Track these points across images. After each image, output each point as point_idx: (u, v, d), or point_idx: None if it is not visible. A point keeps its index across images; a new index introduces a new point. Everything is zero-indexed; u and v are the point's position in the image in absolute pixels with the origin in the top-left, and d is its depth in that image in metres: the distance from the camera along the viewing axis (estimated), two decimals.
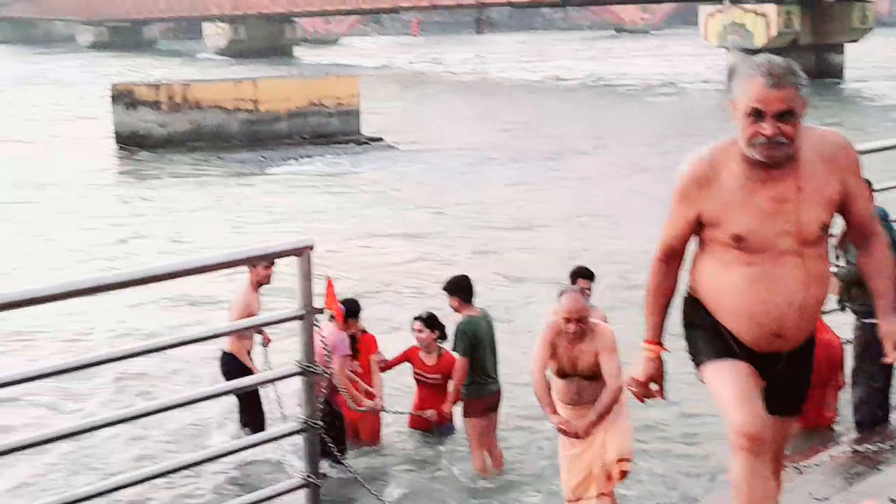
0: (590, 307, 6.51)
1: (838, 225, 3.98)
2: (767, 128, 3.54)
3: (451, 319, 8.26)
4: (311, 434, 4.56)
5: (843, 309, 6.95)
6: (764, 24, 42.65)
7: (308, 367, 4.53)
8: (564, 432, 6.40)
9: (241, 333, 8.35)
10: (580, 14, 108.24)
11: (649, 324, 3.99)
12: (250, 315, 8.17)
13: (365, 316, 8.78)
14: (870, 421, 6.88)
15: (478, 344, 7.93)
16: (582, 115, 35.29)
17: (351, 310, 8.29)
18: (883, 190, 7.06)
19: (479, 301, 8.28)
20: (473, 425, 8.05)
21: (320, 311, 4.60)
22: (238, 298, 8.55)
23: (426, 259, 15.45)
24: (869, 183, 5.82)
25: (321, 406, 4.77)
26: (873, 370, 6.76)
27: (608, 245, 15.73)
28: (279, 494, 4.51)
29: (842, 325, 7.28)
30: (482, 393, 8.00)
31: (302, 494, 4.54)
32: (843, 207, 3.73)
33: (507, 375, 8.30)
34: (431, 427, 8.63)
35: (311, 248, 4.45)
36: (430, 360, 8.54)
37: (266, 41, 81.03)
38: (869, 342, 6.45)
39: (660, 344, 4.00)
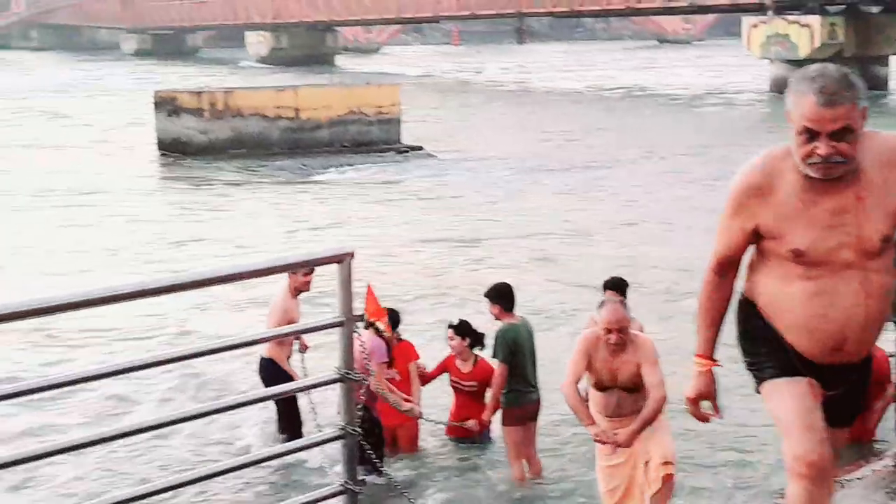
0: (630, 318, 6.45)
1: None
2: (822, 147, 3.40)
3: (491, 327, 8.23)
4: (350, 441, 4.54)
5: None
6: (808, 36, 42.32)
7: (347, 373, 4.51)
8: (603, 442, 6.35)
9: (280, 339, 8.36)
10: (622, 24, 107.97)
11: (701, 337, 3.85)
12: (289, 321, 8.19)
13: (404, 323, 8.78)
14: None
15: (517, 351, 7.88)
16: (626, 124, 35.17)
17: (390, 318, 8.29)
18: None
19: (524, 308, 8.25)
20: (512, 434, 8.00)
21: (360, 318, 4.58)
22: (277, 304, 8.58)
23: (467, 266, 15.43)
24: None
25: (360, 413, 4.76)
26: None
27: (656, 253, 15.68)
28: (317, 501, 4.49)
29: (888, 340, 7.17)
30: (521, 401, 7.95)
31: (340, 501, 4.52)
32: None
33: (549, 384, 8.23)
34: (469, 435, 8.59)
35: (351, 255, 4.43)
36: (465, 367, 8.51)
37: (307, 49, 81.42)
38: None
39: (711, 359, 3.86)
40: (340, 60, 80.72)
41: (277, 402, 8.58)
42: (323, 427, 7.98)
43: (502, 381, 7.93)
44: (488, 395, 8.27)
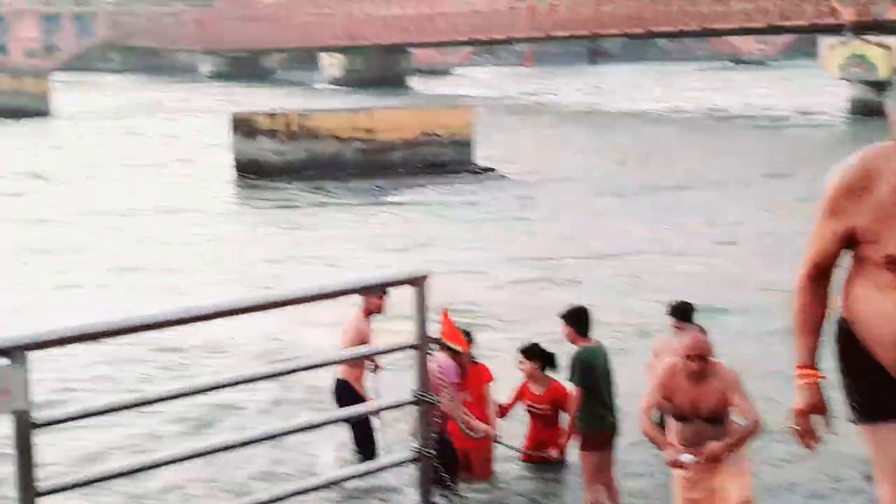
0: (711, 345, 6.31)
1: None
2: None
3: (565, 348, 8.15)
4: (425, 463, 4.53)
5: None
6: (887, 56, 41.66)
7: (422, 396, 4.51)
8: (681, 466, 6.22)
9: (354, 361, 8.37)
10: (696, 45, 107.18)
11: (800, 346, 3.55)
12: (362, 342, 8.21)
13: (478, 346, 8.74)
14: None
15: (593, 375, 7.79)
16: (704, 145, 34.89)
17: (469, 345, 8.25)
18: None
19: (610, 329, 8.15)
20: (589, 459, 7.89)
21: (435, 340, 4.57)
22: (350, 326, 8.60)
23: (542, 287, 15.33)
24: None
25: (434, 436, 4.75)
26: None
27: (747, 273, 15.54)
28: None
29: None
30: (599, 426, 7.84)
31: None
32: None
33: (628, 407, 8.11)
34: (544, 460, 8.52)
35: (426, 277, 4.44)
36: (538, 390, 8.45)
37: (380, 71, 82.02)
38: None
39: (814, 368, 3.55)
40: (413, 82, 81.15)
41: (352, 424, 8.59)
42: (395, 448, 7.96)
43: (578, 404, 7.84)
44: (564, 418, 8.19)
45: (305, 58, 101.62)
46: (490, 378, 8.61)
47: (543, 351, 8.43)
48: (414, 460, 4.51)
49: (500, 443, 8.45)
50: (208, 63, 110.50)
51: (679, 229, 19.93)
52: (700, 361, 5.99)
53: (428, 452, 4.51)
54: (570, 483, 8.34)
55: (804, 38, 76.07)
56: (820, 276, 3.51)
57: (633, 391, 8.25)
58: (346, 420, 7.95)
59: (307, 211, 23.31)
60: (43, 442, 3.55)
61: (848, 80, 43.32)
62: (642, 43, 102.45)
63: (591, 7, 59.89)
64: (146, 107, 57.51)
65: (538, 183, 26.70)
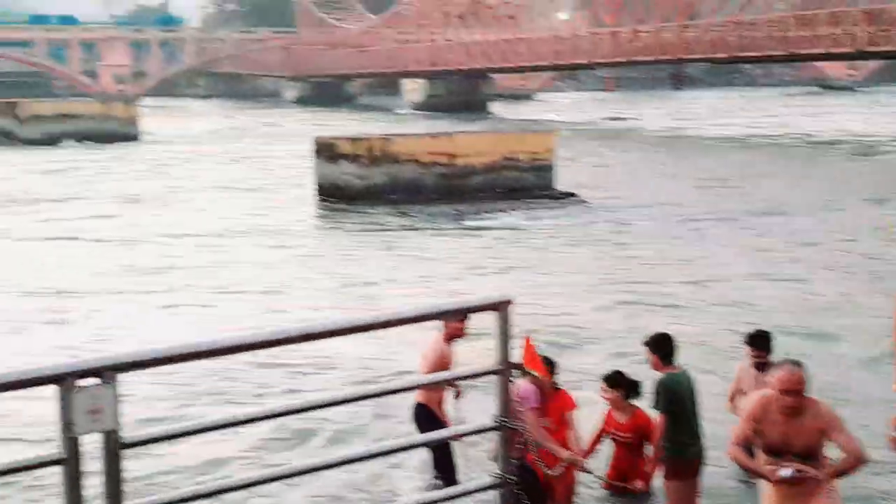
0: (806, 379, 6.10)
1: None
2: None
3: (648, 374, 8.05)
4: (507, 490, 4.50)
5: None
6: None
7: (504, 421, 4.48)
8: (784, 481, 5.95)
9: (435, 385, 8.36)
10: (782, 69, 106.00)
11: None
12: (443, 367, 8.18)
13: (561, 372, 8.67)
14: None
15: (679, 402, 7.67)
16: (793, 171, 34.38)
17: (552, 372, 8.18)
18: None
19: (697, 354, 8.03)
20: (675, 489, 7.76)
21: (517, 366, 4.55)
22: (431, 350, 8.59)
23: (627, 312, 15.19)
24: None
25: (515, 461, 4.72)
26: None
27: (851, 298, 15.25)
28: None
29: None
30: (684, 454, 7.70)
31: None
32: None
33: (715, 435, 7.96)
34: (629, 491, 8.40)
35: (509, 303, 4.42)
36: (622, 418, 8.35)
37: (462, 96, 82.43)
38: None
39: None
40: (494, 107, 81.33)
41: (432, 448, 8.57)
42: (476, 474, 7.92)
43: (662, 431, 7.72)
44: (647, 447, 8.08)
45: (388, 83, 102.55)
46: (573, 405, 8.53)
47: (627, 379, 8.33)
48: (495, 486, 4.49)
49: (583, 470, 8.34)
50: (292, 88, 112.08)
51: (772, 254, 19.63)
52: (795, 397, 5.78)
53: (509, 478, 4.48)
54: None
55: (894, 63, 74.79)
56: None
57: (722, 418, 8.14)
58: (426, 444, 7.93)
59: (391, 235, 23.45)
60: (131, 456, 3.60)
61: None
62: (727, 68, 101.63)
63: (674, 32, 59.55)
64: (231, 131, 58.54)
65: (620, 208, 26.54)
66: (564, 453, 8.02)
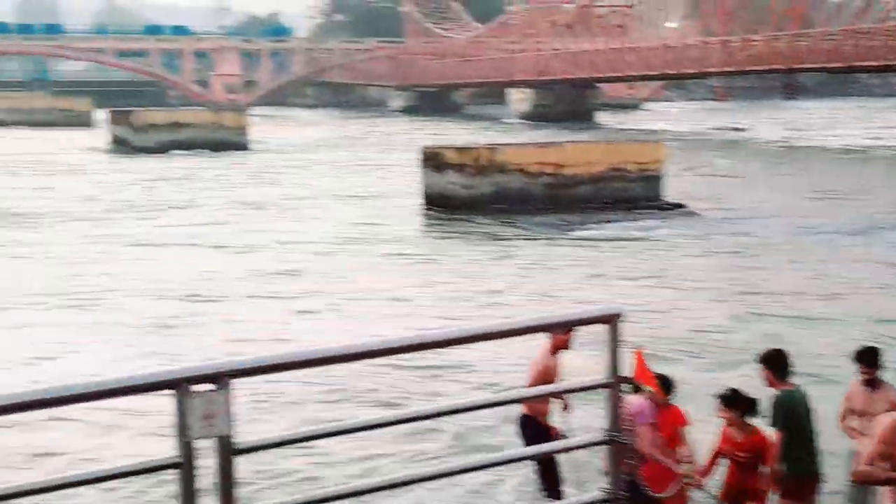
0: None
1: None
2: None
3: (763, 391, 7.87)
4: None
5: None
6: None
7: (615, 436, 4.41)
8: None
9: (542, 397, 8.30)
10: None
11: None
12: (549, 378, 8.12)
13: (679, 383, 8.52)
14: None
15: (796, 419, 7.48)
16: None
17: (662, 384, 8.04)
18: None
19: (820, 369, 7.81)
20: None
21: (628, 380, 4.48)
22: (537, 361, 8.53)
23: (742, 327, 14.89)
24: None
25: (625, 477, 4.64)
26: None
27: None
28: None
29: None
30: (801, 473, 7.50)
31: None
32: None
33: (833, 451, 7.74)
34: None
35: (619, 315, 4.35)
36: (738, 436, 8.16)
37: (568, 105, 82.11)
38: None
39: None
40: (601, 116, 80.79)
41: (538, 461, 8.51)
42: (585, 488, 7.83)
43: (778, 449, 7.53)
44: (763, 467, 7.88)
45: (494, 93, 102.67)
46: (685, 421, 8.37)
47: (743, 397, 8.14)
48: (606, 501, 4.42)
49: (699, 488, 8.17)
50: (398, 98, 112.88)
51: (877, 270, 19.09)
52: None
53: (619, 494, 4.41)
54: None
55: None
56: None
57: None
58: (533, 458, 7.87)
59: (506, 244, 23.37)
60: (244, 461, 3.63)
61: None
62: (841, 78, 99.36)
63: (787, 41, 58.49)
64: (339, 140, 59.24)
65: (731, 220, 26.07)
66: (682, 469, 7.86)
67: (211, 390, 3.47)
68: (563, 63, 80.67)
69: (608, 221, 25.79)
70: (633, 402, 7.30)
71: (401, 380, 12.40)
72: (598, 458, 4.57)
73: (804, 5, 65.10)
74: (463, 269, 20.45)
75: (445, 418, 8.36)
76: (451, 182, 28.25)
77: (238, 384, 3.50)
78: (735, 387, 8.20)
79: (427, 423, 9.43)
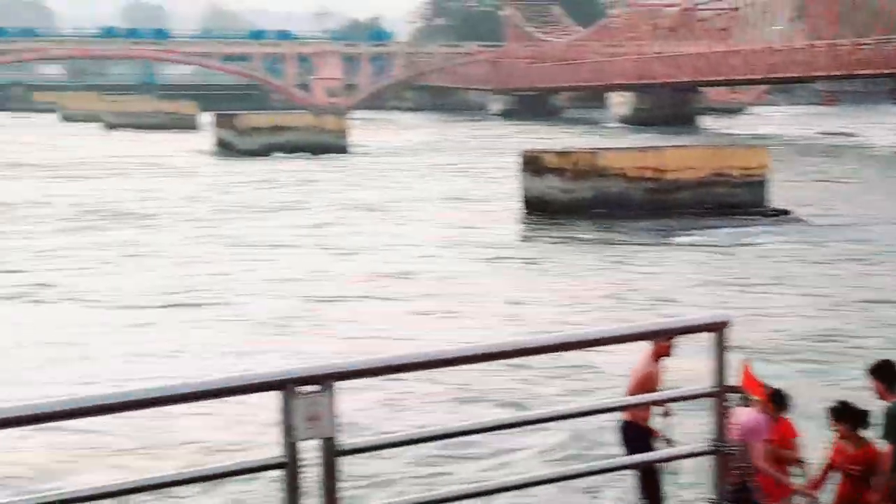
0: None
1: None
2: None
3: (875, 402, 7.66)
4: None
5: None
6: None
7: (720, 445, 4.33)
8: None
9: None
10: None
11: None
12: (650, 385, 8.03)
13: (791, 395, 8.33)
14: None
15: None
16: None
17: (777, 399, 7.87)
18: None
19: None
20: None
21: (735, 389, 4.40)
22: (639, 368, 8.44)
23: (858, 337, 14.54)
24: None
25: (730, 487, 4.55)
26: None
27: None
28: None
29: None
30: None
31: None
32: None
33: None
34: None
35: (726, 324, 4.27)
36: (850, 449, 7.94)
37: (669, 109, 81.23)
38: None
39: None
40: (703, 120, 79.78)
41: (640, 469, 8.40)
42: (686, 497, 7.73)
43: (891, 462, 7.31)
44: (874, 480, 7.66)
45: (594, 96, 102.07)
46: (794, 433, 8.18)
47: (854, 409, 7.92)
48: None
49: (810, 499, 7.96)
50: (498, 102, 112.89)
51: None
52: None
53: None
54: None
55: None
56: None
57: None
58: (636, 466, 7.77)
59: (604, 249, 23.20)
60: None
61: None
62: None
63: None
64: (439, 144, 59.46)
65: (841, 227, 25.43)
66: (794, 483, 7.70)
67: (316, 392, 3.49)
68: (665, 66, 79.86)
69: (712, 227, 25.36)
70: (745, 413, 7.18)
71: (508, 382, 12.37)
72: (702, 468, 4.46)
73: None
74: (571, 273, 20.37)
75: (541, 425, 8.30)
76: (551, 186, 28.13)
77: (342, 386, 3.51)
78: (845, 399, 7.99)
79: (523, 429, 9.41)
